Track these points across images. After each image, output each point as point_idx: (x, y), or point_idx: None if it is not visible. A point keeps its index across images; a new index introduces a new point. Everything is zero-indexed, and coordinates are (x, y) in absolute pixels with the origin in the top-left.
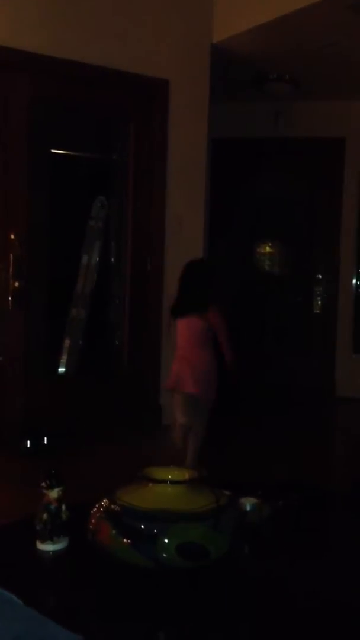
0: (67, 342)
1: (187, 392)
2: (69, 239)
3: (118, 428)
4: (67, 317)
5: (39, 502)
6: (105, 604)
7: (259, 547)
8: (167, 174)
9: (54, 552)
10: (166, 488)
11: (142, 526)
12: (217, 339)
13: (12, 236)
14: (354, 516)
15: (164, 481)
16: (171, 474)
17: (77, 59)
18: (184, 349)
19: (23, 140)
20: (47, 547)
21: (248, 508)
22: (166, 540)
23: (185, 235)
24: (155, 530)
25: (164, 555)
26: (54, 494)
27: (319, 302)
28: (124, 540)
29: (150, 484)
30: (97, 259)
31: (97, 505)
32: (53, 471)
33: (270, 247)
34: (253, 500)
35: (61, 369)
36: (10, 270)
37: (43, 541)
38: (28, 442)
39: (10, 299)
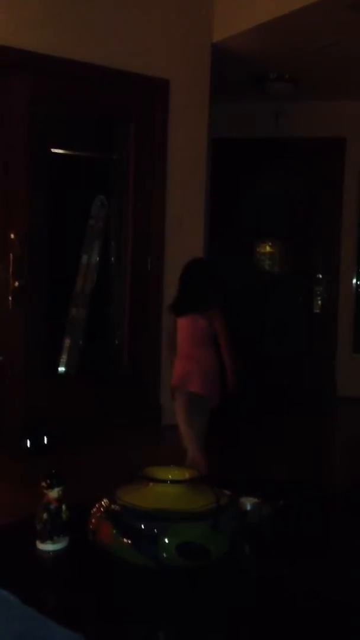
0: (67, 342)
1: (194, 391)
2: (69, 239)
3: (118, 428)
4: (67, 316)
5: (39, 501)
6: (106, 603)
7: (259, 547)
8: (167, 173)
9: (54, 552)
10: (166, 488)
11: (143, 526)
12: (218, 341)
13: (12, 236)
14: (354, 516)
15: (164, 481)
16: (171, 473)
17: (78, 58)
18: (186, 347)
19: (23, 140)
20: (47, 546)
21: (248, 508)
22: (166, 540)
23: (185, 234)
24: (155, 530)
25: (164, 555)
26: (54, 493)
27: (319, 302)
28: (124, 540)
29: (151, 484)
30: (97, 258)
31: (97, 505)
32: (53, 471)
33: (271, 246)
34: (253, 500)
35: (61, 369)
36: (10, 269)
37: (43, 541)
38: (28, 441)
39: (10, 298)
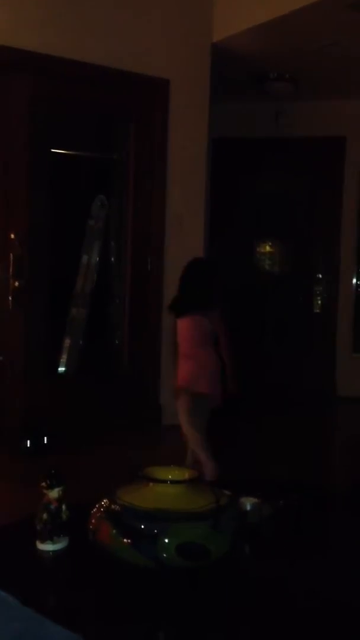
0: (67, 342)
1: (199, 392)
2: (69, 239)
3: (118, 428)
4: (67, 316)
5: (39, 502)
6: (105, 603)
7: (259, 547)
8: (167, 173)
9: (54, 552)
10: (166, 488)
11: (143, 526)
12: (218, 341)
13: (12, 236)
14: (354, 516)
15: (164, 481)
16: (171, 473)
17: (78, 58)
18: (187, 348)
19: (23, 140)
20: (47, 547)
21: (248, 508)
22: (166, 540)
23: (185, 234)
24: (155, 530)
25: (164, 555)
26: (54, 493)
27: (319, 302)
28: (124, 540)
29: (151, 484)
30: (97, 258)
31: (97, 505)
32: (53, 471)
33: (271, 246)
34: (253, 500)
35: (61, 369)
36: (11, 270)
37: (43, 541)
38: (28, 441)
39: (10, 298)
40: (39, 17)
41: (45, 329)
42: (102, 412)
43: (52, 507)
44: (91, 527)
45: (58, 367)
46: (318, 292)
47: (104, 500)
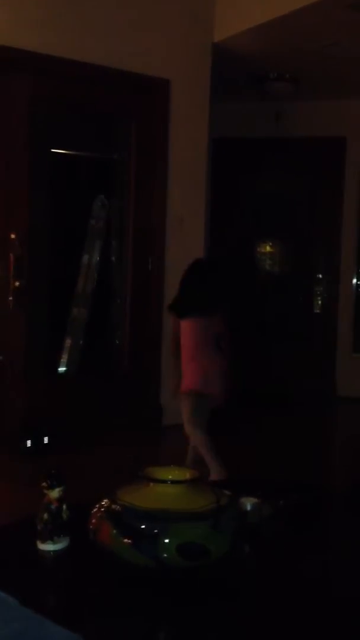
0: (67, 342)
1: (203, 392)
2: (69, 239)
3: (118, 428)
4: (68, 316)
5: (40, 501)
6: (106, 604)
7: (259, 547)
8: (167, 173)
9: (54, 552)
10: (166, 488)
11: (143, 526)
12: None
13: (13, 236)
14: (354, 516)
15: (164, 481)
16: (171, 473)
17: (78, 58)
18: (190, 350)
19: (23, 140)
20: (47, 547)
21: (248, 508)
22: (167, 540)
23: (186, 234)
24: (155, 530)
25: (165, 555)
26: (54, 493)
27: (320, 302)
28: (125, 540)
29: (151, 484)
30: (98, 258)
31: (97, 505)
32: (53, 471)
33: (271, 246)
34: (253, 500)
35: (62, 369)
36: (11, 270)
37: (44, 541)
38: (28, 441)
39: (10, 298)
40: (39, 17)
41: (45, 329)
42: (103, 412)
43: (53, 507)
44: (91, 527)
45: (58, 367)
46: (318, 292)
47: (104, 500)
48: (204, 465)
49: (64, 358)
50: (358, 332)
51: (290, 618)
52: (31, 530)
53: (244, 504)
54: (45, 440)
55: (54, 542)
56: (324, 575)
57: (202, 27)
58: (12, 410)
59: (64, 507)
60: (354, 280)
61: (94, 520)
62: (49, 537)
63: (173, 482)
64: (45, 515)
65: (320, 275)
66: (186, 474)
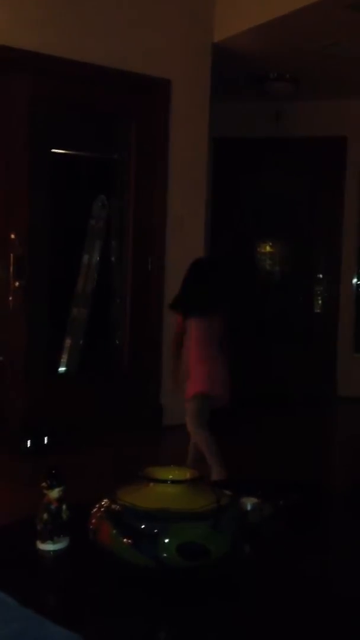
0: (67, 342)
1: (205, 393)
2: (69, 239)
3: (118, 428)
4: (68, 316)
5: (40, 501)
6: (106, 603)
7: (259, 547)
8: (168, 173)
9: (54, 552)
10: (166, 488)
11: (143, 526)
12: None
13: (13, 236)
14: (354, 516)
15: (164, 481)
16: (172, 473)
17: (78, 58)
18: (192, 351)
19: (23, 140)
20: (47, 547)
21: (248, 508)
22: (167, 540)
23: (186, 234)
24: (155, 530)
25: (165, 555)
26: (54, 493)
27: (320, 302)
28: (125, 540)
29: (151, 484)
30: (98, 258)
31: (97, 505)
32: (53, 471)
33: (271, 246)
34: (253, 500)
35: (62, 369)
36: (11, 270)
37: (43, 541)
38: (29, 441)
39: (11, 298)
40: (39, 17)
41: (45, 329)
42: (103, 412)
43: (53, 507)
44: (91, 527)
45: (58, 367)
46: (319, 292)
47: (104, 500)
48: (205, 464)
49: (64, 358)
50: (358, 332)
51: (291, 618)
52: (31, 530)
53: (244, 504)
54: (45, 440)
55: (54, 542)
56: (324, 575)
57: (202, 27)
58: (12, 410)
59: (64, 507)
60: (355, 280)
61: (93, 520)
62: (49, 537)
63: (173, 482)
64: (45, 515)
65: (321, 275)
66: (186, 474)
